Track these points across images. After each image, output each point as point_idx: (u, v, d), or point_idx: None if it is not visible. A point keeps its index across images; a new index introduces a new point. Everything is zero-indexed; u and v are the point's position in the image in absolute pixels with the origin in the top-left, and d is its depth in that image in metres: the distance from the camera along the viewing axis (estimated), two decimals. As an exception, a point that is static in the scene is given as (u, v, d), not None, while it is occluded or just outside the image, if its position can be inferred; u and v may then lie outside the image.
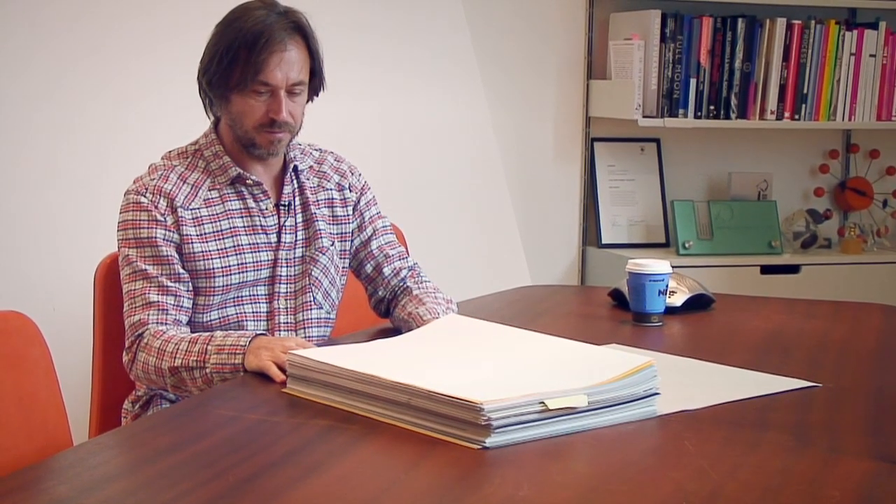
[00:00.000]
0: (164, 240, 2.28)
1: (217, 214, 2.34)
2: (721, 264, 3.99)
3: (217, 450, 1.71)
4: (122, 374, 2.32)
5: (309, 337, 2.37)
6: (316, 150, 2.50)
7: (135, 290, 2.27)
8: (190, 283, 2.29)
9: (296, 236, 2.40)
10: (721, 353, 2.25)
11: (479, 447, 1.66)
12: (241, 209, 2.36)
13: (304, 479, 1.57)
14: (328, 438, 1.75)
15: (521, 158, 4.10)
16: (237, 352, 2.12)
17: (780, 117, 4.09)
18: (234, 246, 2.34)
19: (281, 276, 2.38)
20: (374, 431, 1.76)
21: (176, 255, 2.29)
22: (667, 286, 2.53)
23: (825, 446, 1.73)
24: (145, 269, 2.27)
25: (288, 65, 2.28)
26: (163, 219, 2.29)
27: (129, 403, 2.40)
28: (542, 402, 1.70)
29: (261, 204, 2.38)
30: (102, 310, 2.45)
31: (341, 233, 2.46)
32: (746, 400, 1.94)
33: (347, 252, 2.48)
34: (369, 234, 2.49)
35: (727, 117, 4.05)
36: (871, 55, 4.16)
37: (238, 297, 2.35)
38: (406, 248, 2.65)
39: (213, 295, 2.32)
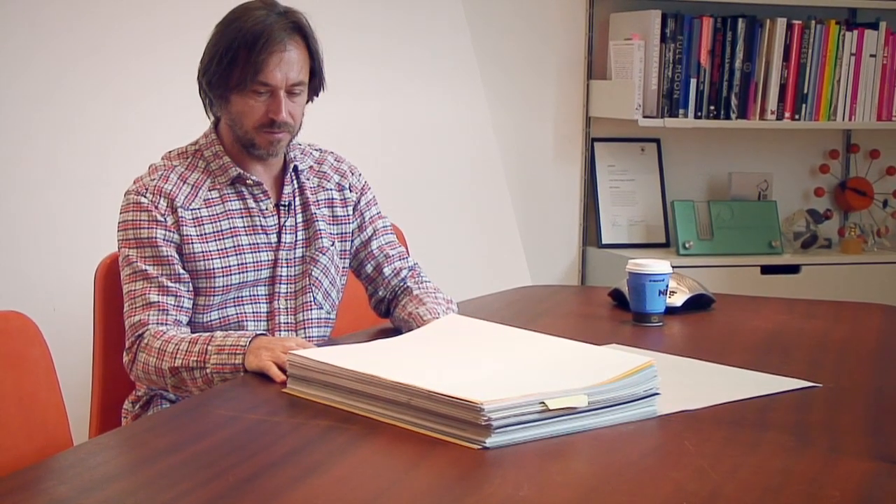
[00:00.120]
0: (164, 240, 2.28)
1: (217, 214, 2.34)
2: (721, 264, 3.99)
3: (217, 450, 1.70)
4: (123, 375, 2.32)
5: (309, 337, 2.37)
6: (316, 150, 2.50)
7: (135, 290, 2.27)
8: (190, 284, 2.29)
9: (296, 236, 2.40)
10: (721, 354, 2.25)
11: (479, 447, 1.66)
12: (241, 209, 2.36)
13: (304, 479, 1.57)
14: (328, 438, 1.75)
15: (521, 158, 4.10)
16: (237, 352, 2.12)
17: (780, 117, 4.09)
18: (235, 246, 2.34)
19: (281, 276, 2.38)
20: (374, 431, 1.76)
21: (176, 256, 2.29)
22: (667, 286, 2.53)
23: (825, 446, 1.73)
24: (145, 270, 2.27)
25: (287, 65, 2.28)
26: (163, 219, 2.29)
27: (130, 403, 2.40)
28: (543, 403, 1.70)
29: (261, 204, 2.38)
30: (103, 310, 2.45)
31: (341, 233, 2.46)
32: (746, 400, 1.94)
33: (348, 252, 2.48)
34: (369, 234, 2.49)
35: (727, 117, 4.05)
36: (871, 55, 4.16)
37: (238, 297, 2.35)
38: (406, 248, 2.65)
39: (214, 295, 2.32)
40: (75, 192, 3.42)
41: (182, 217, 2.30)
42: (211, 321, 2.33)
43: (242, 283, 2.34)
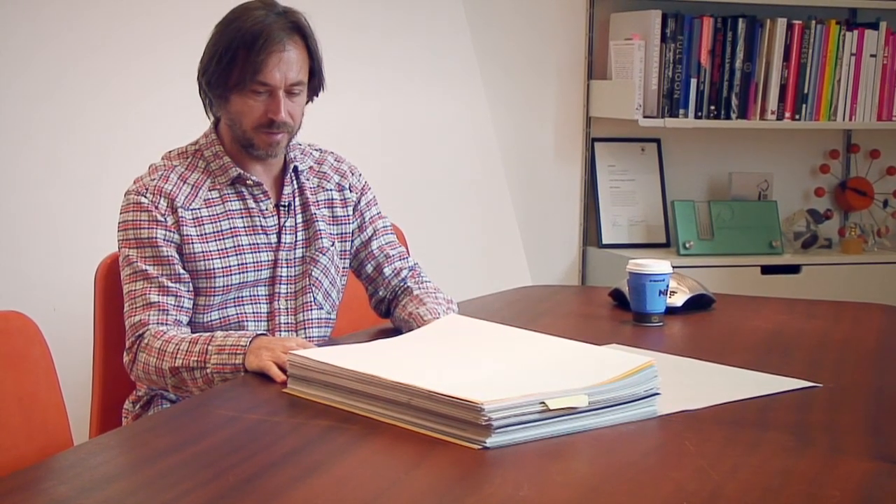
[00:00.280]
0: (164, 240, 2.28)
1: (217, 215, 2.34)
2: (721, 264, 3.99)
3: (217, 450, 1.70)
4: (123, 375, 2.32)
5: (309, 337, 2.37)
6: (316, 150, 2.50)
7: (135, 290, 2.27)
8: (190, 284, 2.29)
9: (296, 237, 2.40)
10: (721, 354, 2.25)
11: (479, 447, 1.66)
12: (241, 209, 2.36)
13: (304, 479, 1.57)
14: (328, 438, 1.75)
15: (521, 158, 4.10)
16: (238, 352, 2.12)
17: (780, 117, 4.09)
18: (235, 246, 2.34)
19: (281, 276, 2.38)
20: (374, 431, 1.76)
21: (176, 256, 2.29)
22: (667, 286, 2.53)
23: (826, 446, 1.73)
24: (146, 270, 2.26)
25: (286, 65, 2.28)
26: (163, 219, 2.29)
27: (130, 403, 2.40)
28: (543, 403, 1.70)
29: (261, 204, 2.38)
30: (103, 310, 2.45)
31: (341, 233, 2.46)
32: (747, 400, 1.94)
33: (348, 252, 2.48)
34: (370, 234, 2.49)
35: (728, 117, 4.05)
36: (871, 55, 4.16)
37: (238, 297, 2.35)
38: (406, 249, 2.65)
39: (214, 295, 2.32)
40: (75, 192, 3.42)
41: (182, 217, 2.30)
42: (211, 321, 2.33)
43: (242, 283, 2.34)
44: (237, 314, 2.35)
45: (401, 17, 3.85)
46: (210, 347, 2.15)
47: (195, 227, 2.31)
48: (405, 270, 2.49)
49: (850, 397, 2.01)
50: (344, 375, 1.86)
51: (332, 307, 2.45)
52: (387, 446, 1.73)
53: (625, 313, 2.61)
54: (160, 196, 2.30)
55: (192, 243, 2.30)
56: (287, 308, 2.38)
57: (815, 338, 2.49)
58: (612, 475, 1.63)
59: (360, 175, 2.52)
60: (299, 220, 2.41)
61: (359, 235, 2.49)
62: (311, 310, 2.40)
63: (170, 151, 2.41)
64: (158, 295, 2.26)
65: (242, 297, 2.35)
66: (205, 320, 2.32)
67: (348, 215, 2.47)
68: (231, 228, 2.34)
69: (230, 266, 2.32)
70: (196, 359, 2.15)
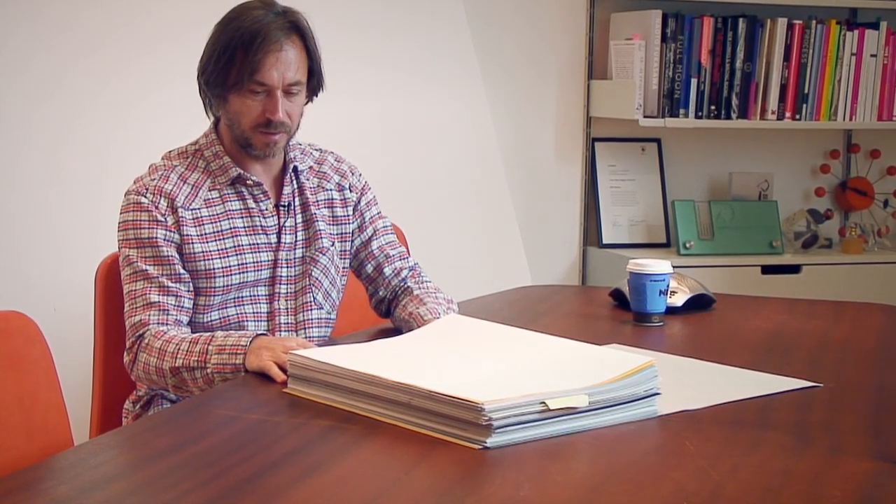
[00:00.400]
0: (164, 240, 2.28)
1: (217, 215, 2.34)
2: (722, 264, 3.99)
3: (217, 450, 1.70)
4: (123, 375, 2.32)
5: (309, 337, 2.37)
6: (316, 150, 2.50)
7: (135, 290, 2.27)
8: (190, 284, 2.29)
9: (296, 237, 2.40)
10: (722, 353, 2.25)
11: (479, 447, 1.66)
12: (241, 209, 2.36)
13: (304, 479, 1.57)
14: (329, 438, 1.75)
15: (521, 158, 4.10)
16: (238, 352, 2.12)
17: (780, 117, 4.09)
18: (235, 246, 2.34)
19: (281, 276, 2.38)
20: (374, 431, 1.76)
21: (176, 256, 2.29)
22: (668, 286, 2.53)
23: (826, 446, 1.73)
24: (146, 270, 2.26)
25: (284, 65, 2.28)
26: (163, 219, 2.29)
27: (130, 403, 2.40)
28: (543, 402, 1.70)
29: (261, 204, 2.37)
30: (103, 310, 2.45)
31: (341, 233, 2.46)
32: (747, 400, 1.94)
33: (348, 252, 2.48)
34: (370, 234, 2.49)
35: (728, 117, 4.05)
36: (871, 55, 4.16)
37: (238, 297, 2.35)
38: (407, 248, 2.65)
39: (214, 295, 2.32)
40: (75, 192, 3.42)
41: (182, 217, 2.30)
42: (211, 321, 2.33)
43: (242, 283, 2.34)
44: (237, 314, 2.35)
45: (401, 17, 3.85)
46: (210, 347, 2.15)
47: (195, 227, 2.31)
48: (405, 270, 2.49)
49: (851, 397, 2.01)
50: (344, 375, 1.86)
51: (333, 307, 2.45)
52: (387, 446, 1.73)
53: (625, 313, 2.61)
54: (160, 196, 2.30)
55: (192, 243, 2.30)
56: (287, 308, 2.38)
57: (816, 338, 2.49)
58: (612, 475, 1.63)
59: (360, 175, 2.52)
60: (299, 220, 2.41)
61: (359, 235, 2.49)
62: (311, 310, 2.40)
63: (170, 151, 2.41)
64: (159, 295, 2.26)
65: (242, 297, 2.35)
66: (205, 320, 2.32)
67: (348, 215, 2.47)
68: (231, 228, 2.34)
69: (230, 266, 2.32)
70: (196, 359, 2.15)
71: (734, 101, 4.04)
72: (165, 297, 2.26)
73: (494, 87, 4.01)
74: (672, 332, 2.51)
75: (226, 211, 2.35)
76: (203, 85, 2.34)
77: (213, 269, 2.31)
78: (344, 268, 2.48)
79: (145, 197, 2.30)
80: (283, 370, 2.02)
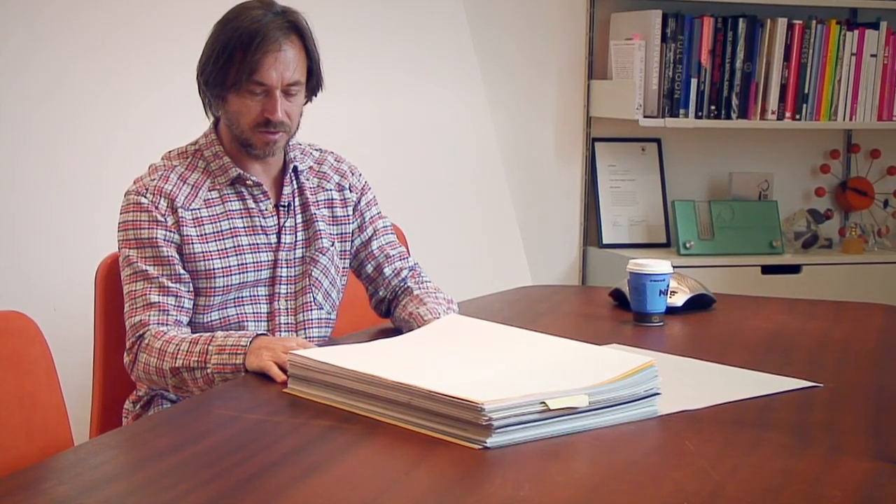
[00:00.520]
0: (164, 240, 2.28)
1: (217, 215, 2.34)
2: (722, 264, 3.99)
3: (217, 450, 1.70)
4: (123, 375, 2.32)
5: (309, 337, 2.37)
6: (316, 150, 2.50)
7: (135, 290, 2.27)
8: (190, 284, 2.29)
9: (296, 237, 2.40)
10: (722, 353, 2.25)
11: (479, 447, 1.66)
12: (241, 210, 2.36)
13: (304, 479, 1.57)
14: (329, 438, 1.74)
15: (521, 158, 4.10)
16: (238, 352, 2.12)
17: (780, 117, 4.09)
18: (235, 246, 2.34)
19: (281, 276, 2.38)
20: (374, 431, 1.76)
21: (176, 256, 2.29)
22: (668, 286, 2.53)
23: (826, 446, 1.73)
24: (146, 270, 2.26)
25: (283, 65, 2.28)
26: (163, 219, 2.29)
27: (130, 403, 2.40)
28: (543, 402, 1.70)
29: (261, 205, 2.37)
30: (103, 310, 2.45)
31: (341, 233, 2.46)
32: (747, 400, 1.94)
33: (348, 252, 2.48)
34: (370, 234, 2.49)
35: (728, 117, 4.05)
36: (871, 55, 4.16)
37: (238, 297, 2.35)
38: (407, 248, 2.65)
39: (214, 295, 2.32)
40: (75, 192, 3.42)
41: (182, 217, 2.30)
42: (211, 321, 2.33)
43: (242, 283, 2.34)
44: (237, 314, 2.35)
45: (401, 17, 3.85)
46: (210, 347, 2.15)
47: (195, 227, 2.31)
48: (405, 270, 2.49)
49: (851, 397, 2.01)
50: (344, 375, 1.86)
51: (332, 307, 2.45)
52: (387, 446, 1.73)
53: (625, 313, 2.61)
54: (160, 196, 2.30)
55: (192, 243, 2.30)
56: (287, 308, 2.38)
57: (816, 338, 2.49)
58: (612, 475, 1.63)
59: (360, 175, 2.52)
60: (299, 220, 2.41)
61: (359, 235, 2.49)
62: (311, 310, 2.40)
63: (169, 151, 2.41)
64: (159, 295, 2.26)
65: (242, 297, 2.35)
66: (205, 320, 2.32)
67: (348, 215, 2.47)
68: (231, 229, 2.34)
69: (230, 266, 2.32)
70: (196, 359, 2.15)
71: (734, 101, 4.04)
72: (165, 298, 2.26)
73: (494, 87, 4.01)
74: (672, 332, 2.50)
75: (226, 211, 2.35)
76: (202, 85, 2.34)
77: (213, 269, 2.31)
78: (344, 268, 2.48)
79: (145, 197, 2.30)
80: (283, 370, 2.02)
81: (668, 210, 4.17)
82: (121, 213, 2.32)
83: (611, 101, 4.01)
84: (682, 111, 3.99)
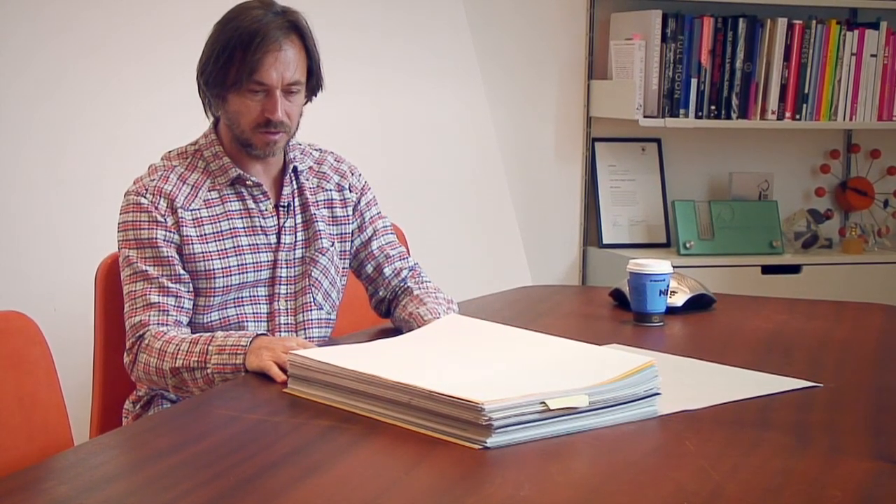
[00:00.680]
0: (164, 241, 2.28)
1: (217, 215, 2.34)
2: (722, 264, 3.99)
3: (218, 450, 1.70)
4: (123, 375, 2.32)
5: (309, 337, 2.37)
6: (316, 150, 2.50)
7: (135, 291, 2.27)
8: (190, 284, 2.29)
9: (295, 237, 2.40)
10: (722, 353, 2.25)
11: (479, 447, 1.66)
12: (240, 210, 2.36)
13: (304, 479, 1.57)
14: (329, 438, 1.74)
15: (521, 158, 4.10)
16: (238, 352, 2.12)
17: (780, 117, 4.09)
18: (234, 247, 2.34)
19: (281, 277, 2.38)
20: (374, 431, 1.76)
21: (176, 256, 2.29)
22: (668, 286, 2.53)
23: (826, 446, 1.73)
24: (146, 270, 2.26)
25: (283, 64, 2.28)
26: (163, 220, 2.29)
27: (130, 404, 2.40)
28: (543, 402, 1.70)
29: (260, 205, 2.37)
30: (103, 310, 2.45)
31: (341, 233, 2.46)
32: (747, 400, 1.94)
33: (348, 252, 2.48)
34: (370, 234, 2.49)
35: (728, 117, 4.05)
36: (872, 55, 4.16)
37: (238, 297, 2.35)
38: (407, 248, 2.65)
39: (214, 296, 2.32)
40: (75, 192, 3.42)
41: (182, 218, 2.30)
42: (211, 322, 2.33)
43: (242, 283, 2.34)
44: (237, 315, 2.35)
45: (401, 17, 3.85)
46: (210, 348, 2.15)
47: (195, 227, 2.31)
48: (405, 270, 2.49)
49: (851, 397, 2.01)
50: (344, 375, 1.86)
51: (332, 307, 2.45)
52: (387, 446, 1.73)
53: (625, 313, 2.61)
54: (160, 196, 2.30)
55: (192, 244, 2.30)
56: (287, 308, 2.38)
57: (816, 338, 2.49)
58: (612, 475, 1.63)
59: (359, 175, 2.52)
60: (299, 220, 2.41)
61: (359, 236, 2.49)
62: (311, 310, 2.40)
63: (169, 152, 2.41)
64: (159, 295, 2.26)
65: (242, 297, 2.35)
66: (205, 321, 2.32)
67: (348, 215, 2.47)
68: (231, 229, 2.34)
69: (230, 267, 2.32)
70: (196, 359, 2.15)
71: (734, 101, 4.04)
72: (165, 298, 2.26)
73: (494, 87, 4.01)
74: (672, 332, 2.50)
75: (225, 211, 2.35)
76: (202, 85, 2.34)
77: (213, 269, 2.31)
78: (344, 268, 2.48)
79: (145, 197, 2.30)
80: (284, 370, 2.02)
81: (668, 210, 4.17)
82: (120, 214, 2.32)
83: (611, 101, 4.01)
84: (682, 111, 4.00)
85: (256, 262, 2.35)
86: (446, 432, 1.70)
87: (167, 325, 2.25)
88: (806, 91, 4.10)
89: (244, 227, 2.35)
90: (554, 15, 4.08)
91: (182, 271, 2.28)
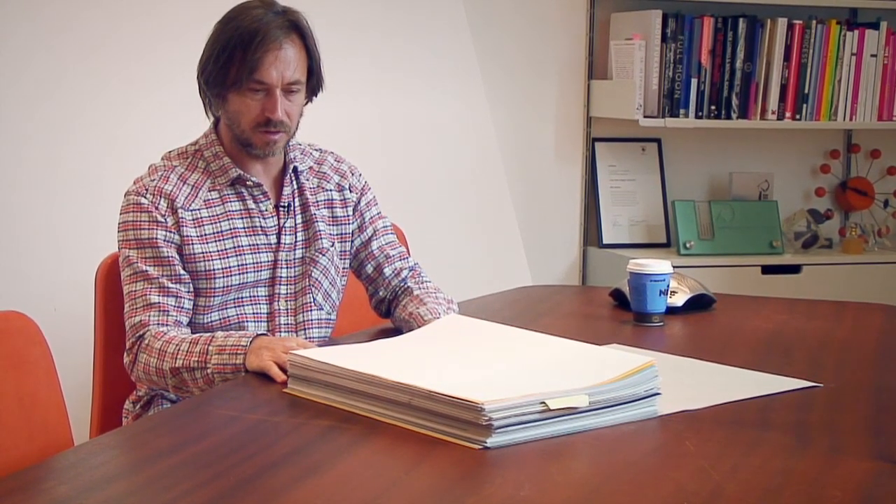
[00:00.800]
0: (164, 241, 2.28)
1: (217, 215, 2.34)
2: (722, 264, 3.99)
3: (218, 450, 1.70)
4: (123, 375, 2.32)
5: (310, 338, 2.37)
6: (316, 150, 2.50)
7: (135, 291, 2.27)
8: (190, 284, 2.29)
9: (295, 237, 2.40)
10: (722, 353, 2.25)
11: (480, 447, 1.66)
12: (241, 210, 2.36)
13: (304, 479, 1.57)
14: (329, 438, 1.74)
15: (522, 158, 4.10)
16: (238, 352, 2.12)
17: (781, 117, 4.09)
18: (235, 247, 2.34)
19: (281, 277, 2.38)
20: (374, 431, 1.76)
21: (176, 256, 2.29)
22: (668, 286, 2.53)
23: (826, 446, 1.73)
24: (146, 270, 2.26)
25: (283, 63, 2.28)
26: (163, 220, 2.29)
27: (130, 404, 2.40)
28: (544, 402, 1.70)
29: (261, 205, 2.37)
30: (103, 310, 2.45)
31: (341, 233, 2.46)
32: (747, 400, 1.94)
33: (348, 253, 2.48)
34: (370, 234, 2.49)
35: (728, 117, 4.05)
36: (872, 55, 4.16)
37: (238, 298, 2.35)
38: (407, 248, 2.65)
39: (214, 296, 2.31)
40: (75, 192, 3.42)
41: (182, 218, 2.30)
42: (211, 322, 2.33)
43: (242, 284, 2.34)
44: (237, 315, 2.35)
45: (401, 17, 3.85)
46: (210, 348, 2.15)
47: (195, 227, 2.31)
48: (405, 270, 2.49)
49: (851, 397, 2.01)
50: (344, 375, 1.86)
51: (333, 308, 2.45)
52: (387, 446, 1.73)
53: (625, 313, 2.61)
54: (160, 196, 2.30)
55: (192, 244, 2.30)
56: (287, 309, 2.38)
57: (816, 338, 2.49)
58: (612, 475, 1.63)
59: (360, 175, 2.52)
60: (299, 220, 2.41)
61: (359, 236, 2.49)
62: (311, 310, 2.40)
63: (170, 152, 2.41)
64: (159, 295, 2.26)
65: (242, 297, 2.35)
66: (205, 321, 2.32)
67: (348, 216, 2.47)
68: (231, 229, 2.34)
69: (230, 267, 2.32)
70: (196, 359, 2.15)
71: (734, 101, 4.04)
72: (165, 298, 2.26)
73: (494, 87, 4.01)
74: (672, 332, 2.50)
75: (226, 212, 2.35)
76: (203, 84, 2.34)
77: (213, 269, 2.31)
78: (344, 268, 2.48)
79: (145, 197, 2.30)
80: (284, 370, 2.02)
81: (669, 210, 4.17)
82: (121, 214, 2.32)
83: (611, 101, 4.01)
84: (682, 111, 4.00)
85: (256, 263, 2.35)
86: (446, 432, 1.70)
87: (167, 324, 2.25)
88: (806, 91, 4.10)
89: (244, 228, 2.35)
90: (554, 15, 4.08)
91: (182, 271, 2.28)
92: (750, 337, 2.49)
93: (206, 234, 2.31)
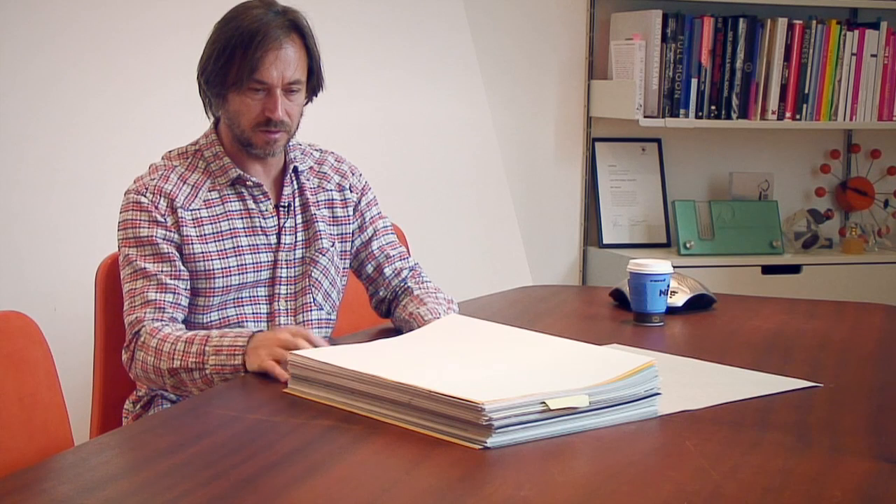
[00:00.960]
0: (163, 240, 2.28)
1: (217, 215, 2.34)
2: (722, 264, 3.99)
3: (218, 450, 1.70)
4: (123, 375, 2.32)
5: (310, 337, 2.36)
6: (316, 150, 2.50)
7: (134, 289, 2.27)
8: (189, 282, 2.29)
9: (296, 237, 2.40)
10: (722, 353, 2.25)
11: (480, 447, 1.66)
12: (241, 210, 2.36)
13: (305, 479, 1.57)
14: (329, 439, 1.74)
15: (522, 158, 4.10)
16: (236, 353, 2.12)
17: (781, 117, 4.09)
18: (234, 247, 2.33)
19: (281, 277, 2.38)
20: (375, 431, 1.76)
21: (176, 254, 2.29)
22: (668, 286, 2.53)
23: (826, 446, 1.73)
24: (145, 268, 2.26)
25: (284, 63, 2.28)
26: (163, 219, 2.29)
27: (130, 404, 2.40)
28: (544, 403, 1.70)
29: (261, 205, 2.37)
30: (103, 310, 2.45)
31: (341, 234, 2.46)
32: (747, 400, 1.93)
33: (348, 253, 2.48)
34: (370, 234, 2.49)
35: (728, 117, 4.05)
36: (872, 55, 4.16)
37: (238, 298, 2.35)
38: (407, 248, 2.65)
39: (214, 296, 2.31)
40: (75, 192, 3.42)
41: (182, 217, 2.30)
42: (211, 322, 2.33)
43: (242, 284, 2.34)
44: (237, 315, 2.35)
45: (401, 17, 3.85)
46: (207, 348, 2.14)
47: (195, 227, 2.31)
48: (406, 270, 2.49)
49: (851, 397, 2.01)
50: (345, 375, 1.86)
51: (333, 308, 2.45)
52: (387, 446, 1.72)
53: (625, 313, 2.61)
54: (160, 196, 2.30)
55: (192, 244, 2.30)
56: (287, 309, 2.38)
57: (816, 338, 2.49)
58: (612, 475, 1.63)
59: (360, 175, 2.52)
60: (299, 220, 2.41)
61: (359, 236, 2.49)
62: (311, 310, 2.40)
63: (170, 151, 2.41)
64: (156, 293, 2.25)
65: (242, 297, 2.35)
66: (205, 321, 2.32)
67: (348, 216, 2.47)
68: (231, 229, 2.34)
69: (230, 267, 2.32)
70: (194, 360, 2.15)
71: (734, 101, 4.04)
72: (163, 295, 2.26)
73: (495, 87, 4.01)
74: (672, 332, 2.50)
75: (225, 212, 2.35)
76: (203, 84, 2.34)
77: (213, 269, 2.31)
78: (344, 268, 2.48)
79: (145, 197, 2.30)
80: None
81: (669, 210, 4.17)
82: (121, 213, 2.32)
83: (611, 101, 4.01)
84: (682, 111, 4.00)
85: (256, 263, 2.35)
86: (446, 432, 1.70)
87: (162, 320, 2.24)
88: (806, 91, 4.10)
89: (244, 228, 2.35)
90: (554, 15, 4.08)
91: (182, 267, 2.28)
92: (750, 337, 2.49)
93: (205, 234, 2.31)
